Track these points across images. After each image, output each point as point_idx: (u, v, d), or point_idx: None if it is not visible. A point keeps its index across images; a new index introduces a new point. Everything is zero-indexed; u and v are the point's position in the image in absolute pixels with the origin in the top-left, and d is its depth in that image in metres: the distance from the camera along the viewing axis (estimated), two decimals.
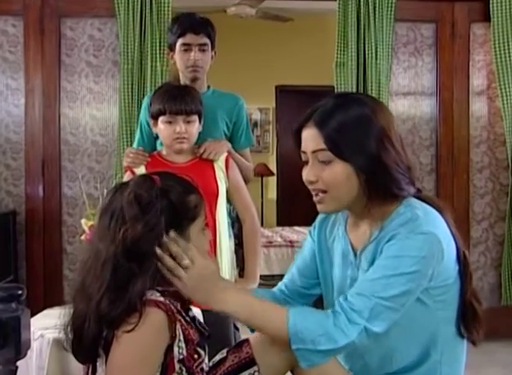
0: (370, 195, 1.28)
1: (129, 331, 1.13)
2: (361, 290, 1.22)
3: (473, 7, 3.84)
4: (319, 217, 1.51)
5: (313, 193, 1.33)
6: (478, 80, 3.89)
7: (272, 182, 7.24)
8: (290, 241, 4.95)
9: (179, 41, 2.39)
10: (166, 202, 1.21)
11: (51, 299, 3.53)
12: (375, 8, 3.66)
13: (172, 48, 2.45)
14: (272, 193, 7.26)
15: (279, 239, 5.01)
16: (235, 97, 2.52)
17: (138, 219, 1.17)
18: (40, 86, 3.60)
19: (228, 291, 1.23)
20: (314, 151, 1.29)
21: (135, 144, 2.50)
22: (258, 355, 1.29)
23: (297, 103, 6.99)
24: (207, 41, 2.40)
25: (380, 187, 1.28)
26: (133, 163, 2.20)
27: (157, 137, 2.37)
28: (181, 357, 1.19)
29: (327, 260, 1.45)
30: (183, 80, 2.45)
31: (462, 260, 1.33)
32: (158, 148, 2.39)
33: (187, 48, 2.39)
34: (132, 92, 3.51)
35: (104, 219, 1.21)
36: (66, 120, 3.65)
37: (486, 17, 3.78)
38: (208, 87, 2.49)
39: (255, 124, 7.22)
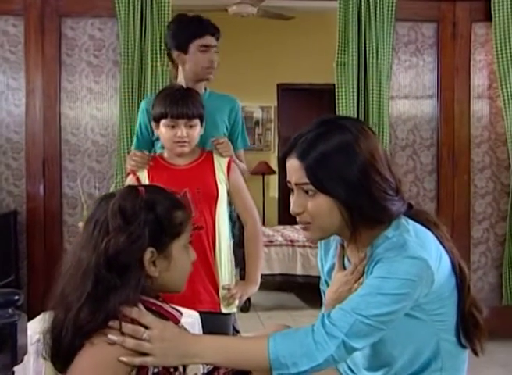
0: (355, 225, 1.27)
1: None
2: (344, 305, 1.22)
3: (474, 6, 3.82)
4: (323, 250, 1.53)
5: (298, 221, 1.33)
6: (479, 80, 3.88)
7: (273, 180, 7.24)
8: (291, 240, 4.94)
9: (198, 42, 2.41)
10: (151, 215, 1.19)
11: None
12: (375, 7, 3.65)
13: (182, 48, 2.44)
14: (273, 191, 7.26)
15: (280, 238, 5.01)
16: (232, 99, 2.54)
17: (121, 231, 1.16)
18: (40, 86, 3.60)
19: (198, 343, 1.20)
20: (297, 184, 1.29)
21: (133, 147, 2.51)
22: None
23: (299, 101, 6.99)
24: (217, 44, 2.47)
25: (366, 217, 1.27)
26: (137, 166, 2.20)
27: (156, 140, 2.37)
28: (155, 370, 1.19)
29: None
30: (187, 81, 2.45)
31: (458, 273, 1.31)
32: (158, 151, 2.39)
33: (206, 49, 2.41)
34: (132, 92, 3.51)
35: (88, 227, 1.20)
36: (67, 120, 3.66)
37: (488, 17, 3.77)
38: (205, 89, 2.50)
39: (257, 122, 7.22)
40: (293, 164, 1.29)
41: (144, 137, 2.47)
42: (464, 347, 1.35)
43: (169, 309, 1.24)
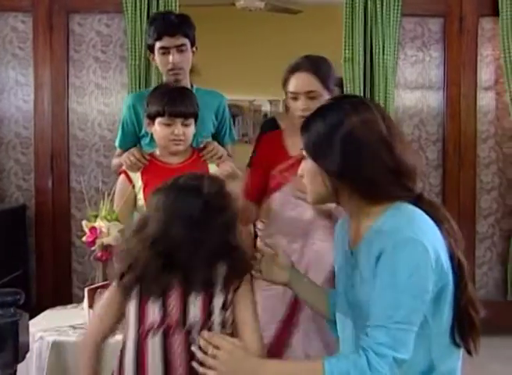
0: (339, 193, 1.33)
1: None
2: (376, 320, 1.23)
3: (482, 1, 3.80)
4: (337, 225, 1.55)
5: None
6: (486, 75, 3.87)
7: None
8: None
9: (157, 45, 2.35)
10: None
11: (60, 292, 3.60)
12: (382, 2, 3.65)
13: (151, 49, 2.41)
14: None
15: None
16: (218, 94, 2.53)
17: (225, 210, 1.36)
18: (48, 81, 3.65)
19: (262, 365, 1.28)
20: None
21: (117, 143, 2.48)
22: None
23: None
24: (184, 40, 2.36)
25: (357, 187, 1.31)
26: (131, 167, 2.18)
27: (143, 136, 2.36)
28: None
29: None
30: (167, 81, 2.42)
31: (457, 269, 1.30)
32: (144, 148, 2.37)
33: (165, 51, 2.35)
34: (139, 87, 3.54)
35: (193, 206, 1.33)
36: (75, 115, 3.70)
37: (495, 11, 3.74)
38: (191, 85, 2.46)
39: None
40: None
41: (130, 133, 2.43)
42: (457, 346, 1.34)
43: None
